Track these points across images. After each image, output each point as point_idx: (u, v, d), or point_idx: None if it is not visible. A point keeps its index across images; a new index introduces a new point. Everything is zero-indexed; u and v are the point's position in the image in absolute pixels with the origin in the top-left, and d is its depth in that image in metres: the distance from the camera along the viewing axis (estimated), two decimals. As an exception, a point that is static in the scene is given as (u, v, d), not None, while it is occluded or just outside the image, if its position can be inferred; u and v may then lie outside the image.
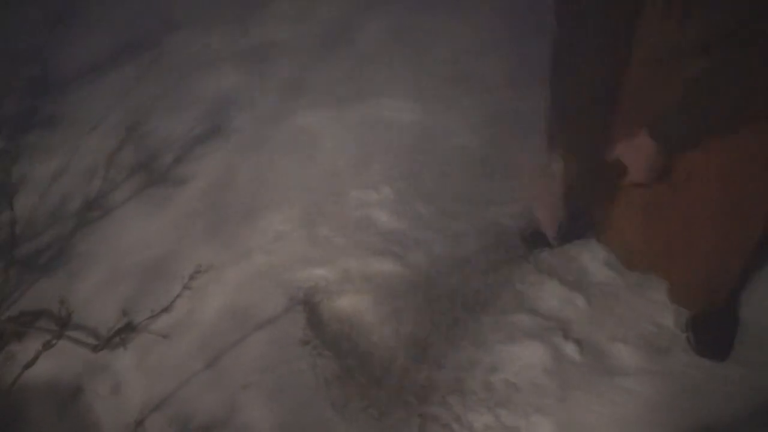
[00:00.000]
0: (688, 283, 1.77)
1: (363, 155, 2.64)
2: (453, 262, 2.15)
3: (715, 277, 1.72)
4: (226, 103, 3.03)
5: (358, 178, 2.52)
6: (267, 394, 1.82)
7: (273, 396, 1.82)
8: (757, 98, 1.31)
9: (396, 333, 1.97)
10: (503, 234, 2.23)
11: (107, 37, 3.53)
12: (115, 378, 1.93)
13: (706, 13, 1.25)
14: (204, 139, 2.79)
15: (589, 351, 1.85)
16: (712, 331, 1.82)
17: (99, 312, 2.07)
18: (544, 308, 1.98)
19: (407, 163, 2.57)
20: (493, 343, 1.89)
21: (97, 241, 2.34)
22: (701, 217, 1.57)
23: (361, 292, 2.09)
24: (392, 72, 3.13)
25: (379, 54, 3.27)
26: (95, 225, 2.41)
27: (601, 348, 1.86)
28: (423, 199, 2.40)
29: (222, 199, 2.49)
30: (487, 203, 2.36)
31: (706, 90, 1.32)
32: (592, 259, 2.08)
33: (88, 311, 2.08)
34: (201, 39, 3.49)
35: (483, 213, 2.33)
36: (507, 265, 2.11)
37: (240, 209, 2.43)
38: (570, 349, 1.85)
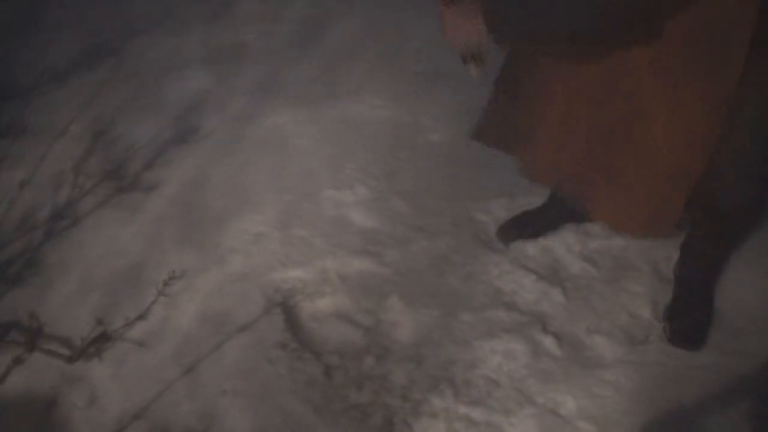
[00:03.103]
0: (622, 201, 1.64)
1: (338, 154, 2.63)
2: (430, 259, 2.15)
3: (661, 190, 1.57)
4: (196, 106, 2.99)
5: (334, 177, 2.51)
6: (246, 400, 1.80)
7: (252, 401, 1.80)
8: None
9: (375, 333, 1.96)
10: (480, 229, 2.23)
11: (69, 43, 3.46)
12: (91, 389, 1.89)
13: None
14: (174, 143, 2.76)
15: (568, 344, 1.86)
16: (688, 320, 1.84)
17: (72, 322, 2.03)
18: (522, 303, 1.98)
19: (383, 161, 2.57)
20: (472, 340, 1.89)
21: (68, 250, 2.30)
22: (641, 118, 1.49)
23: (339, 293, 2.08)
24: (365, 69, 3.12)
25: (351, 52, 3.26)
26: (65, 234, 2.36)
27: (580, 341, 1.87)
28: (399, 197, 2.40)
29: (195, 203, 2.46)
30: (463, 199, 2.37)
31: None
32: (567, 251, 2.10)
33: (61, 322, 2.04)
34: (167, 43, 3.44)
35: (459, 209, 2.33)
36: (484, 260, 2.12)
37: (213, 213, 2.40)
38: (548, 343, 1.86)
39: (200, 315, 2.04)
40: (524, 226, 2.16)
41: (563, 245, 2.13)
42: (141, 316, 2.00)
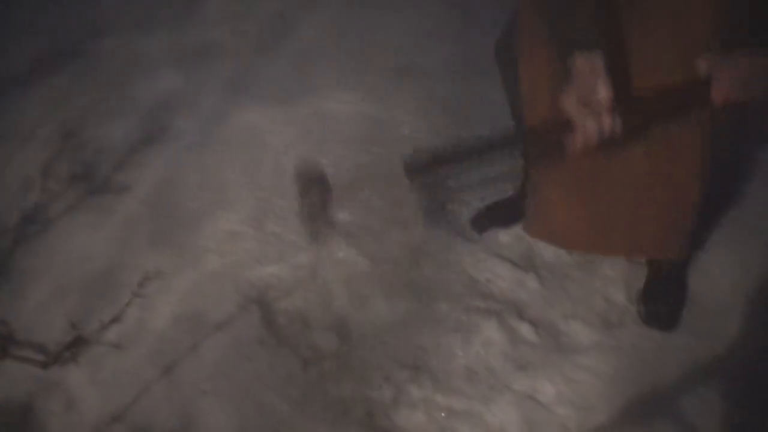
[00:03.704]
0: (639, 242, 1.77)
1: (310, 150, 2.61)
2: (405, 250, 2.16)
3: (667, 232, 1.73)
4: (167, 106, 2.96)
5: (306, 173, 2.50)
6: (226, 399, 1.80)
7: (232, 400, 1.79)
8: None
9: (352, 326, 1.96)
10: (453, 219, 2.24)
11: (32, 44, 3.39)
12: (68, 394, 1.88)
13: None
14: (145, 144, 2.72)
15: (544, 331, 1.88)
16: (661, 302, 1.87)
17: (46, 328, 2.01)
18: (497, 291, 2.00)
19: (356, 155, 2.56)
20: (450, 330, 1.90)
21: (39, 255, 2.27)
22: (640, 183, 1.59)
23: (315, 287, 2.08)
24: (337, 65, 3.11)
25: (322, 48, 3.24)
26: (36, 239, 2.33)
27: (556, 327, 1.89)
28: (372, 190, 2.39)
29: (167, 203, 2.44)
30: (436, 189, 2.37)
31: None
32: (541, 239, 2.12)
33: (35, 328, 2.01)
34: (135, 43, 3.39)
35: (432, 199, 2.34)
36: (458, 250, 2.13)
37: (187, 213, 2.39)
38: (525, 330, 1.88)
39: (176, 315, 2.03)
40: (498, 215, 2.17)
41: (537, 233, 2.14)
42: (116, 319, 1.97)
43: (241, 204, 2.39)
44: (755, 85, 1.29)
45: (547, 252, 2.08)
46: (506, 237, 2.13)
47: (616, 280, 1.98)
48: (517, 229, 2.14)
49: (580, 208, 1.71)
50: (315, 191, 1.77)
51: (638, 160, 1.54)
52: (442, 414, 1.72)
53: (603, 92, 1.26)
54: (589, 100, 1.27)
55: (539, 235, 1.92)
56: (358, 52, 3.11)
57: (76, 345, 1.92)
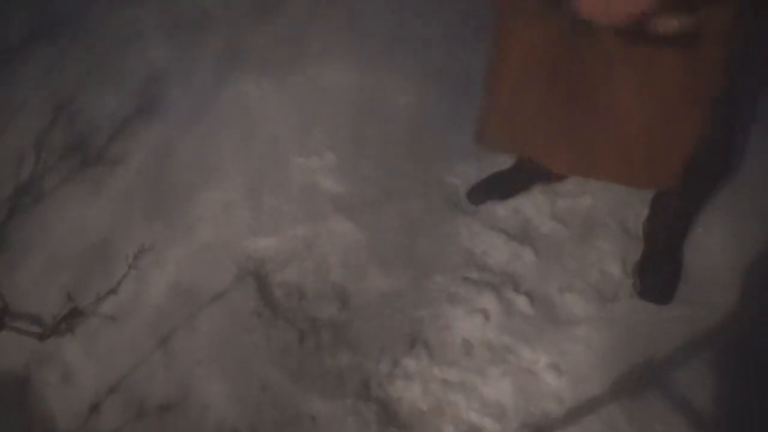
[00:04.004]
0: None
1: (304, 121, 2.59)
2: (401, 222, 2.16)
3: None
4: (159, 77, 2.93)
5: (301, 144, 2.48)
6: (222, 370, 1.81)
7: (228, 371, 1.80)
8: None
9: (348, 297, 1.97)
10: (450, 191, 2.24)
11: (21, 15, 3.34)
12: (65, 365, 1.88)
13: None
14: (138, 115, 2.70)
15: (540, 303, 1.89)
16: (657, 275, 1.87)
17: (42, 300, 2.01)
18: (493, 263, 2.00)
19: (350, 126, 2.54)
20: (445, 302, 1.91)
21: (33, 227, 2.26)
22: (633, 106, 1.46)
23: (311, 259, 2.08)
24: (330, 36, 3.07)
25: (314, 19, 3.20)
26: (30, 211, 2.32)
27: (551, 299, 1.90)
28: (368, 161, 2.38)
29: (161, 175, 2.42)
30: (432, 161, 2.36)
31: None
32: (537, 212, 2.11)
33: (30, 300, 2.02)
34: (125, 13, 3.33)
35: (429, 171, 2.33)
36: (454, 222, 2.12)
37: (180, 184, 2.37)
38: (521, 303, 1.88)
39: (172, 286, 2.03)
40: (494, 188, 2.17)
41: (533, 205, 2.13)
42: (112, 291, 1.98)
43: (235, 174, 2.37)
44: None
45: (544, 225, 2.08)
46: (503, 210, 2.13)
47: (611, 253, 1.98)
48: (514, 202, 2.14)
49: (556, 121, 1.60)
50: None
51: (632, 82, 1.43)
52: (438, 385, 1.73)
53: None
54: None
55: (491, 142, 1.79)
56: (351, 23, 3.07)
57: (72, 317, 1.93)
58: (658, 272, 1.87)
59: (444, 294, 1.93)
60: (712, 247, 1.95)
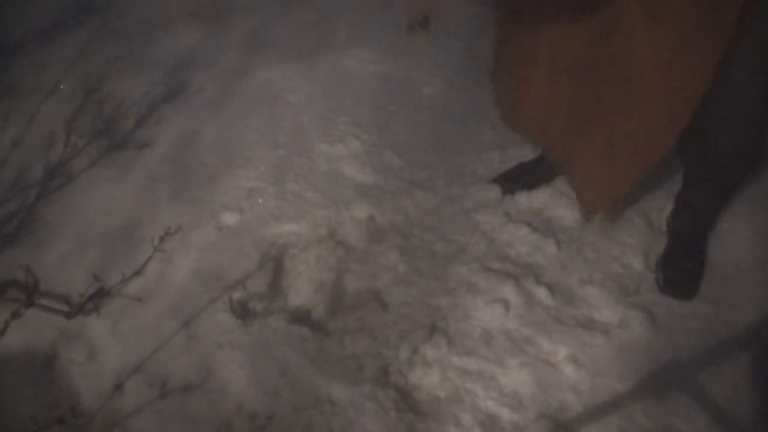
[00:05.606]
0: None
1: (329, 108, 2.61)
2: (424, 211, 2.16)
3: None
4: (185, 63, 2.96)
5: (326, 131, 2.50)
6: (243, 354, 1.83)
7: (249, 355, 1.82)
8: None
9: (370, 284, 1.98)
10: (474, 181, 2.24)
11: (52, 1, 3.39)
12: (90, 344, 1.91)
13: None
14: (165, 100, 2.73)
15: (560, 295, 1.88)
16: (680, 270, 1.86)
17: (69, 279, 2.05)
18: (515, 254, 2.00)
19: (375, 115, 2.55)
20: (466, 291, 1.91)
21: (62, 209, 2.30)
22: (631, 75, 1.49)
23: (333, 246, 2.09)
24: (355, 23, 3.08)
25: (340, 6, 3.21)
26: (58, 193, 2.36)
27: (572, 291, 1.89)
28: (392, 150, 2.39)
29: (187, 160, 2.45)
30: (456, 151, 2.37)
31: None
32: (560, 204, 2.11)
33: (59, 279, 2.05)
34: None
35: (453, 160, 2.33)
36: (477, 212, 2.12)
37: (206, 169, 2.40)
38: (541, 294, 1.88)
39: (196, 270, 2.06)
40: (518, 178, 2.17)
41: (557, 197, 2.13)
42: (137, 272, 2.01)
43: (259, 161, 2.40)
44: None
45: (566, 217, 2.07)
46: (525, 200, 2.13)
47: (634, 247, 1.97)
48: (537, 193, 2.13)
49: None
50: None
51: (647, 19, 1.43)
52: (456, 373, 1.73)
53: None
54: None
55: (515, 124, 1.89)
56: (376, 11, 3.08)
57: (98, 296, 1.96)
58: (681, 267, 1.86)
59: (465, 283, 1.93)
60: (737, 243, 1.94)
